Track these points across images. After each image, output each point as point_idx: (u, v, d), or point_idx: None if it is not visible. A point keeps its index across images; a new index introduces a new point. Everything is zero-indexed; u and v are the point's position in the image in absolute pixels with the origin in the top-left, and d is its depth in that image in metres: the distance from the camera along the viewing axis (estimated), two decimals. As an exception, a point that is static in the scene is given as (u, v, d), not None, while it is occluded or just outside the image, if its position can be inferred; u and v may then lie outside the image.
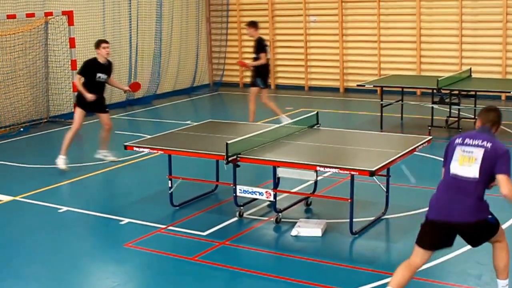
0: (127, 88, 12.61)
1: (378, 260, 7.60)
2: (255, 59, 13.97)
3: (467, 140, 6.04)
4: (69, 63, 15.97)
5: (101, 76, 11.66)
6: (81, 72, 11.72)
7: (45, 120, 16.09)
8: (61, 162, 11.57)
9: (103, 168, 11.67)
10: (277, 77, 20.86)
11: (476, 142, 6.00)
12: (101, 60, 11.68)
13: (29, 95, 15.81)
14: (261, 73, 14.10)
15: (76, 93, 11.92)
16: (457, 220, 5.94)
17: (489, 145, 5.95)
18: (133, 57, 18.38)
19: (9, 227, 9.07)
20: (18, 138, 14.57)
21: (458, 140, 6.09)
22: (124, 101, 18.22)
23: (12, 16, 14.64)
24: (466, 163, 5.93)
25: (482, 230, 6.09)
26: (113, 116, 16.60)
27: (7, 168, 12.02)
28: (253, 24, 14.12)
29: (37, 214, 9.52)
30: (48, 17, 15.74)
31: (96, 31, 17.36)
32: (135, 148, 9.29)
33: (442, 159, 6.20)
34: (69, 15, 15.74)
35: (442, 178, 6.13)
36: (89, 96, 11.45)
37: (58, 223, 9.11)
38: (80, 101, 11.75)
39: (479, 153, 5.91)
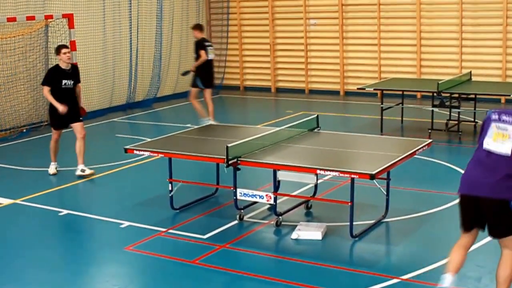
0: (81, 105, 11.71)
1: (378, 264, 7.60)
2: (196, 59, 14.54)
3: (503, 117, 6.01)
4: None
5: (66, 82, 11.17)
6: (44, 82, 11.28)
7: (46, 123, 16.05)
8: (50, 168, 11.65)
9: (104, 171, 11.67)
10: (278, 81, 20.87)
11: (508, 118, 5.98)
12: (63, 66, 11.18)
13: (30, 98, 15.81)
14: (201, 74, 14.52)
15: (48, 112, 11.53)
16: (485, 195, 5.90)
17: None
18: (133, 60, 18.39)
19: (9, 230, 9.07)
20: (18, 141, 14.57)
21: (495, 116, 6.05)
22: (124, 104, 18.24)
23: (12, 19, 14.64)
24: (500, 139, 5.93)
25: (503, 213, 5.94)
26: (114, 119, 16.66)
27: (7, 171, 12.02)
28: (196, 27, 14.99)
29: (37, 218, 9.52)
30: (49, 20, 15.75)
31: (97, 34, 17.38)
32: (135, 152, 9.29)
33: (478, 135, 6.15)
34: (69, 18, 15.74)
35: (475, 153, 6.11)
36: (61, 108, 11.03)
37: (58, 226, 9.11)
38: (51, 120, 11.51)
39: None
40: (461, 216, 6.15)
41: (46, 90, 11.18)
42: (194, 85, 14.68)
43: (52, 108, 11.27)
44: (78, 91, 11.55)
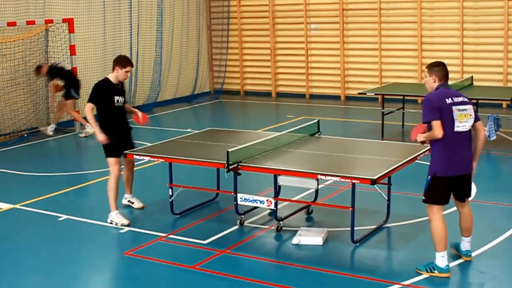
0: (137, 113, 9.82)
1: (379, 269, 7.56)
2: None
3: (455, 99, 6.97)
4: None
5: (118, 99, 9.24)
6: (93, 99, 9.17)
7: (46, 127, 16.05)
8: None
9: (104, 176, 11.62)
10: (278, 85, 20.85)
11: (461, 99, 7.00)
12: (113, 80, 9.26)
13: (29, 102, 15.78)
14: (74, 85, 15.15)
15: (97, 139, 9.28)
16: (470, 171, 7.12)
17: (467, 99, 7.08)
18: (133, 64, 18.34)
19: (8, 235, 9.03)
20: (18, 145, 14.54)
21: (448, 100, 6.96)
22: (125, 108, 18.19)
23: (13, 24, 14.63)
24: (464, 119, 6.93)
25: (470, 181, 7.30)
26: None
27: (7, 176, 11.99)
28: (38, 69, 15.19)
29: (36, 222, 9.49)
30: (49, 25, 15.74)
31: (97, 38, 17.37)
32: (135, 156, 9.26)
33: (433, 114, 6.91)
34: (69, 22, 15.73)
35: (442, 135, 6.89)
36: (102, 138, 9.12)
37: (58, 231, 9.08)
38: (106, 147, 9.23)
39: (471, 109, 6.99)
40: (444, 193, 7.12)
41: (88, 108, 9.13)
42: (69, 97, 15.08)
43: (106, 132, 9.16)
44: (129, 109, 9.72)
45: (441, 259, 7.10)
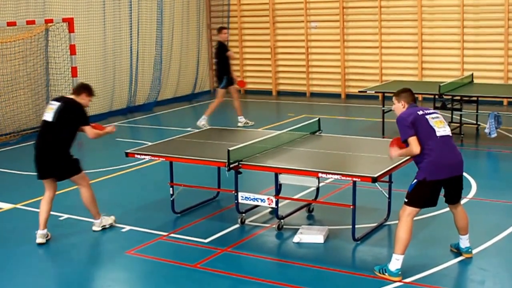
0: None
1: (381, 267, 7.56)
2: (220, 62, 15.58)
3: (425, 111, 7.15)
4: (70, 70, 15.95)
5: None
6: (88, 120, 8.78)
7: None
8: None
9: (104, 175, 11.64)
10: (279, 84, 20.85)
11: (430, 110, 7.23)
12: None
13: (30, 102, 15.78)
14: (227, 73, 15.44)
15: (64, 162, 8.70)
16: (460, 173, 7.15)
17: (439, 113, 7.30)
18: (133, 63, 18.36)
19: (9, 235, 9.04)
20: (18, 145, 14.54)
21: (420, 112, 7.12)
22: (125, 108, 18.21)
23: (13, 23, 14.62)
24: (441, 125, 7.08)
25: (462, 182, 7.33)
26: (114, 123, 16.59)
27: (8, 176, 11.99)
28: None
29: (37, 222, 9.46)
30: (49, 24, 15.73)
31: (97, 38, 17.37)
32: (136, 156, 9.26)
33: (408, 132, 7.01)
34: (69, 22, 15.73)
35: (420, 151, 6.96)
36: (111, 128, 9.13)
37: (59, 231, 9.07)
38: (73, 165, 8.77)
39: (442, 116, 7.19)
40: (426, 198, 7.08)
41: (91, 128, 8.72)
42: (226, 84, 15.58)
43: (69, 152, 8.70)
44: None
45: (395, 262, 7.03)
